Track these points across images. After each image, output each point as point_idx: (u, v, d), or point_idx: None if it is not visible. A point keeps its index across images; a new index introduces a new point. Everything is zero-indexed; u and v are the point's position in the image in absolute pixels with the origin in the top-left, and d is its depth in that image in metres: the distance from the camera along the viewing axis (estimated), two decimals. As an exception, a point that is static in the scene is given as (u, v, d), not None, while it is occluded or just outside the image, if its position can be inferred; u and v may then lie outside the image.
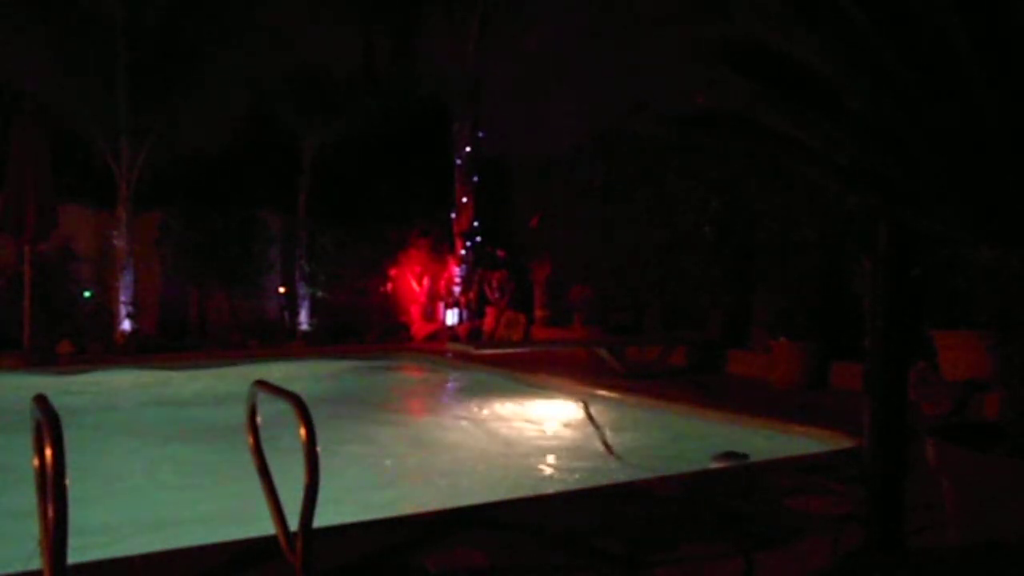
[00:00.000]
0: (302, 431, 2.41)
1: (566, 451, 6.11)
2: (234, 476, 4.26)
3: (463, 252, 12.79)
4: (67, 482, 2.00)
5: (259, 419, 2.91)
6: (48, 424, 2.04)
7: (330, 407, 7.46)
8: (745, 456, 4.78)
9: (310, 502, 2.45)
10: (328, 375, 9.87)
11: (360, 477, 5.20)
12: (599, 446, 5.98)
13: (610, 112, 10.48)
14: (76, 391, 8.10)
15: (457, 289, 12.76)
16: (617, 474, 5.02)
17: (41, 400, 2.19)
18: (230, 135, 10.91)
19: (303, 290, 12.30)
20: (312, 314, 12.27)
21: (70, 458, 2.02)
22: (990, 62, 2.08)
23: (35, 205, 9.43)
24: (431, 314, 12.98)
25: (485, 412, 7.50)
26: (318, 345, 11.51)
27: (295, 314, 12.29)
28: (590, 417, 6.55)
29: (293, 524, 2.57)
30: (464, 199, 12.87)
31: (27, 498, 2.38)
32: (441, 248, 13.16)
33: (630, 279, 10.44)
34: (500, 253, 12.53)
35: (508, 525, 3.40)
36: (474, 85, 12.74)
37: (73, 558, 2.07)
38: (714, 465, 4.74)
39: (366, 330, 12.39)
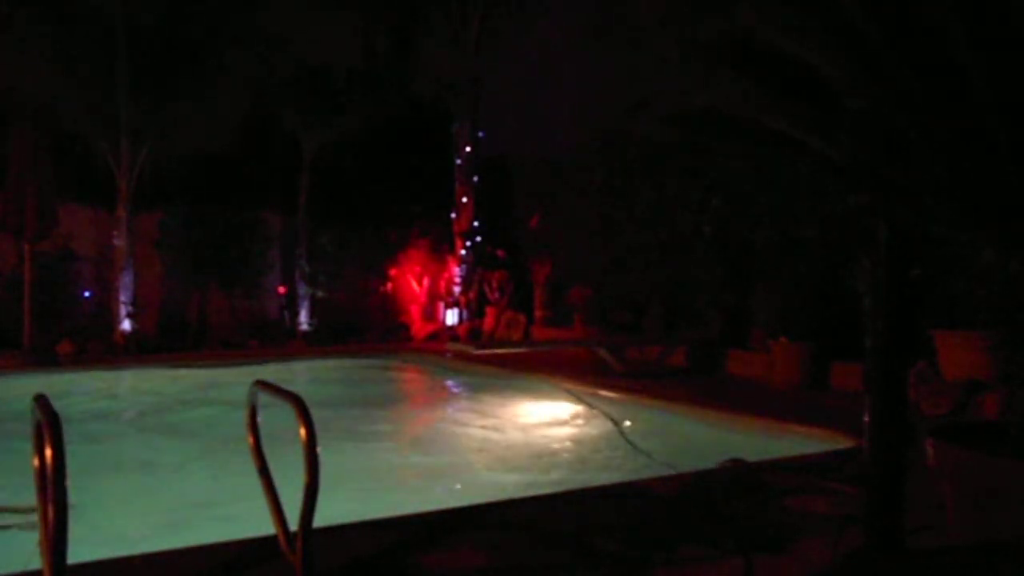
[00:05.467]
0: (302, 431, 2.41)
1: (566, 451, 6.11)
2: (234, 476, 4.26)
3: (463, 252, 12.79)
4: (67, 482, 2.00)
5: (259, 419, 2.91)
6: (48, 424, 2.03)
7: (330, 407, 7.46)
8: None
9: (310, 502, 2.45)
10: (328, 375, 9.87)
11: (360, 477, 5.20)
12: (608, 445, 5.98)
13: (610, 112, 10.48)
14: (76, 391, 8.09)
15: (457, 289, 12.76)
16: (618, 474, 5.03)
17: (41, 400, 2.18)
18: (230, 135, 10.91)
19: (303, 290, 12.30)
20: (312, 314, 12.28)
21: (69, 459, 2.02)
22: (990, 63, 2.08)
23: (35, 205, 9.43)
24: (431, 314, 12.98)
25: (485, 412, 7.49)
26: (318, 345, 11.52)
27: (295, 314, 12.29)
28: (621, 433, 6.50)
29: (293, 524, 2.57)
30: (464, 199, 12.87)
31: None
32: (441, 248, 13.17)
33: (630, 279, 10.44)
34: (500, 253, 12.53)
35: (508, 525, 3.40)
36: (474, 85, 12.74)
37: (73, 558, 2.07)
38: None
39: (366, 330, 12.39)
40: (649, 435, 6.09)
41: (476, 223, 12.82)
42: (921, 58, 2.20)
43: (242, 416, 2.93)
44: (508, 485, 4.96)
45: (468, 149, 12.90)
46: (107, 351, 10.06)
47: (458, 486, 5.28)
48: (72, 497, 2.01)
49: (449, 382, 10.08)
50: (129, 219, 10.81)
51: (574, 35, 11.35)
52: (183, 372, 9.41)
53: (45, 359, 9.13)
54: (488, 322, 12.24)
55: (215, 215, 11.76)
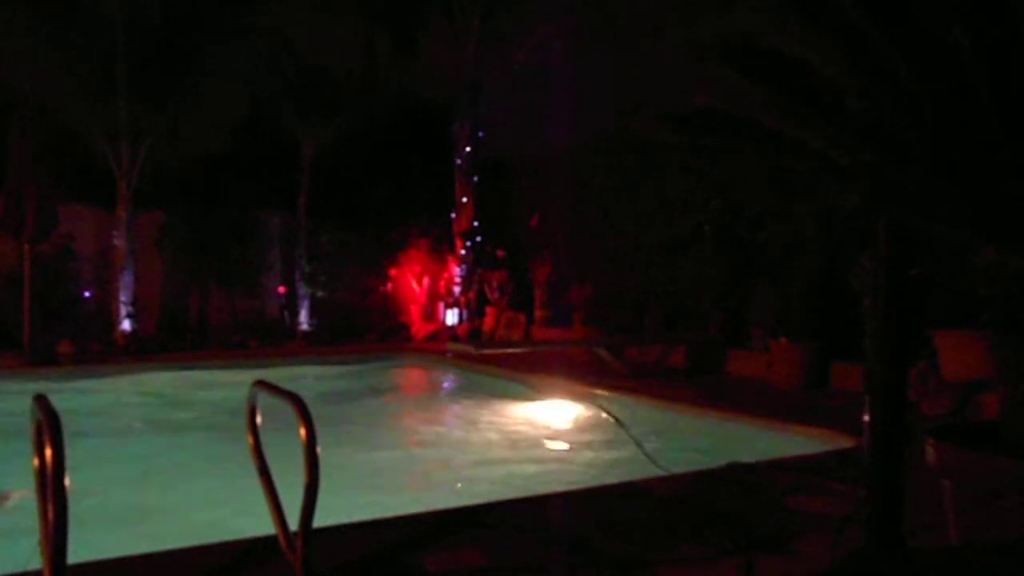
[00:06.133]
0: (302, 431, 2.41)
1: (566, 451, 6.11)
2: (233, 476, 4.26)
3: (463, 252, 12.79)
4: (67, 482, 2.00)
5: (259, 419, 2.91)
6: (48, 424, 2.03)
7: (330, 407, 7.46)
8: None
9: (310, 502, 2.45)
10: (328, 375, 9.88)
11: (360, 477, 5.20)
12: (609, 445, 5.98)
13: (610, 112, 10.48)
14: (76, 391, 8.09)
15: (457, 289, 12.76)
16: (618, 474, 5.02)
17: (41, 400, 2.18)
18: (230, 135, 10.92)
19: (303, 290, 12.30)
20: (312, 314, 12.28)
21: (70, 459, 2.02)
22: (992, 61, 2.08)
23: (35, 205, 9.44)
24: (431, 314, 12.98)
25: (485, 412, 7.50)
26: (318, 345, 11.52)
27: (295, 314, 12.29)
28: (616, 420, 6.50)
29: (293, 524, 2.57)
30: (464, 199, 12.87)
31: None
32: (441, 248, 13.16)
33: (630, 279, 10.45)
34: (500, 253, 12.53)
35: (508, 525, 3.40)
36: (474, 85, 12.74)
37: (73, 558, 2.07)
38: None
39: (366, 330, 12.40)
40: (649, 435, 6.09)
41: (476, 223, 12.82)
42: (921, 58, 2.20)
43: (241, 414, 2.92)
44: (508, 485, 4.96)
45: (468, 149, 12.89)
46: (107, 351, 10.06)
47: (458, 486, 5.28)
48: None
49: (449, 382, 10.09)
50: (129, 219, 10.81)
51: (574, 34, 11.35)
52: (183, 372, 9.41)
53: (45, 359, 9.13)
54: (488, 322, 12.24)
55: (215, 215, 11.76)
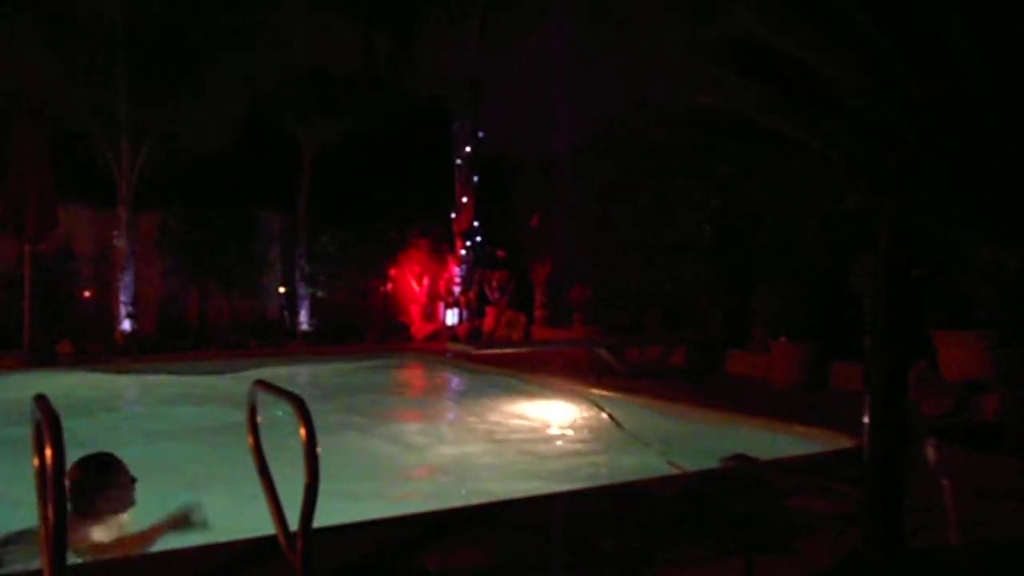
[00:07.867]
0: (302, 431, 2.41)
1: (566, 451, 6.11)
2: (233, 475, 4.26)
3: (463, 252, 12.79)
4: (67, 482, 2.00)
5: (259, 419, 2.91)
6: (48, 424, 2.03)
7: (330, 408, 7.46)
8: (755, 460, 4.75)
9: (310, 502, 2.44)
10: (328, 375, 9.87)
11: (360, 477, 5.20)
12: (609, 445, 5.98)
13: (611, 111, 10.47)
14: (76, 391, 8.08)
15: (457, 289, 12.76)
16: (618, 474, 5.03)
17: (41, 400, 2.18)
18: (230, 135, 10.91)
19: (303, 290, 12.30)
20: (312, 314, 12.27)
21: (70, 458, 2.02)
22: (991, 62, 2.08)
23: (35, 205, 9.43)
24: (431, 314, 12.98)
25: (485, 412, 7.49)
26: (318, 345, 11.51)
27: (295, 314, 12.29)
28: (613, 420, 6.52)
29: (293, 524, 2.56)
30: (464, 199, 12.87)
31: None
32: (441, 248, 13.16)
33: (630, 279, 10.44)
34: (500, 253, 12.53)
35: (508, 525, 3.40)
36: (474, 85, 12.73)
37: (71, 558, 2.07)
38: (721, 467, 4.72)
39: (366, 330, 12.39)
40: (649, 435, 6.08)
41: (476, 223, 12.82)
42: (921, 58, 2.20)
43: (242, 414, 2.92)
44: (508, 485, 4.96)
45: (468, 149, 12.89)
46: (107, 351, 10.05)
47: (456, 486, 5.28)
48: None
49: (449, 383, 10.08)
50: (129, 219, 10.81)
51: (575, 34, 11.34)
52: (182, 372, 9.40)
53: (45, 359, 9.13)
54: (488, 322, 12.24)
55: (215, 215, 11.76)
